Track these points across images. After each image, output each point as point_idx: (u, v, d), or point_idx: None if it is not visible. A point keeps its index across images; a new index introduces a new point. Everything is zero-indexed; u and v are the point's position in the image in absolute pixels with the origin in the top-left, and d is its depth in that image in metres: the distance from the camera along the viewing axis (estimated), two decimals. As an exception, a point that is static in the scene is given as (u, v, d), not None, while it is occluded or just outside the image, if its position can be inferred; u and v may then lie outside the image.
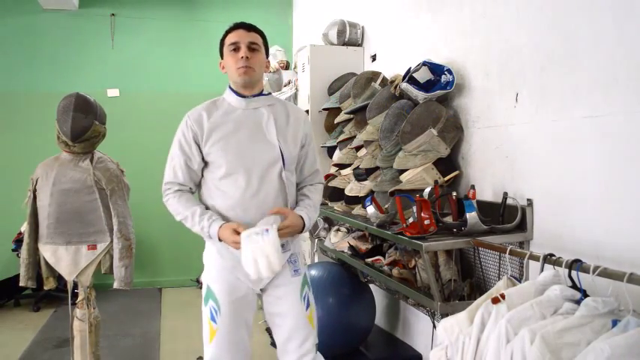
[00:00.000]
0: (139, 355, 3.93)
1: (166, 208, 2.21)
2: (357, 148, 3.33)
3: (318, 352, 2.22)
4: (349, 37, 3.91)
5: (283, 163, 2.15)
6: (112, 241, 2.98)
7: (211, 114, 2.17)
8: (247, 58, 2.13)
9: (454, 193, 2.38)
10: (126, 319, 4.71)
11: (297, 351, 2.16)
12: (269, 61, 2.29)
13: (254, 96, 2.20)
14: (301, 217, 2.16)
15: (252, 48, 2.15)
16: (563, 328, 1.43)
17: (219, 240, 2.09)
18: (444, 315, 2.20)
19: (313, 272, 3.19)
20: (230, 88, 2.23)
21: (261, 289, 2.20)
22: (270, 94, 2.32)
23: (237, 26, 2.20)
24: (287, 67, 5.00)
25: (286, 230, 2.08)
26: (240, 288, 2.17)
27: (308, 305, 2.21)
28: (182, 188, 2.20)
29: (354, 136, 3.37)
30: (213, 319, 2.14)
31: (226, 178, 2.13)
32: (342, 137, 3.53)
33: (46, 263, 3.02)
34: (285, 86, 4.65)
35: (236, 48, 2.15)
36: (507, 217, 2.26)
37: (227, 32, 2.21)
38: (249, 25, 2.21)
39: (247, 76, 2.14)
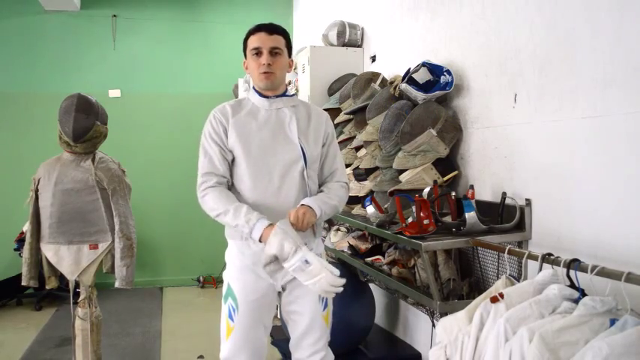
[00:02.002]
0: (140, 354, 3.95)
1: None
2: (357, 149, 3.34)
3: (328, 349, 2.27)
4: (349, 38, 3.92)
5: (305, 163, 2.16)
6: (113, 241, 2.99)
7: (236, 112, 2.20)
8: (269, 64, 2.14)
9: (453, 193, 2.39)
10: (127, 318, 4.72)
11: (310, 348, 2.21)
12: (292, 60, 2.30)
13: (277, 97, 2.22)
14: (308, 205, 2.08)
15: (274, 52, 2.15)
16: (561, 327, 1.43)
17: (260, 241, 2.01)
18: (443, 314, 2.21)
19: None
20: (254, 88, 2.25)
21: (282, 287, 2.21)
22: (294, 94, 2.32)
23: (259, 28, 2.18)
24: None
25: (301, 223, 2.03)
26: (260, 287, 2.17)
27: (325, 306, 2.23)
28: (221, 180, 2.15)
29: (354, 137, 3.38)
30: (230, 317, 2.17)
31: (248, 176, 2.14)
32: (341, 137, 3.54)
33: (48, 263, 3.03)
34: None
35: (258, 53, 2.16)
36: (506, 217, 2.27)
37: (249, 33, 2.20)
38: (272, 27, 2.19)
39: (269, 82, 2.17)
